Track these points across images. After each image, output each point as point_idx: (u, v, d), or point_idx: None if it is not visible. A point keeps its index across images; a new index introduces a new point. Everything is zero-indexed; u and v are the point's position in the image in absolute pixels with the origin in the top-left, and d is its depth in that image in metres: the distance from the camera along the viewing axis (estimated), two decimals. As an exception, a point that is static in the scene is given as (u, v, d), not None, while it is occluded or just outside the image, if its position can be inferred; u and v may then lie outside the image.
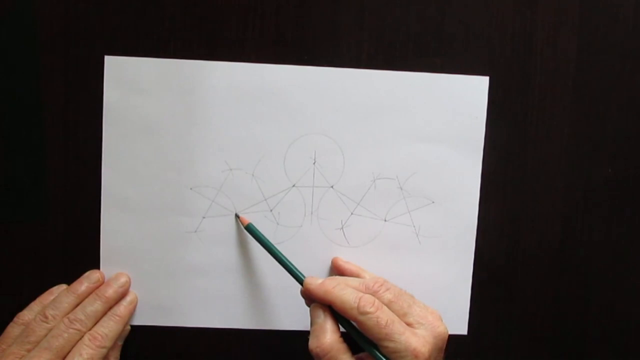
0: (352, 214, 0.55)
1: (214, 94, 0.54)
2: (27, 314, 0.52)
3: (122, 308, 0.54)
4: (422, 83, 0.55)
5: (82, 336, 0.50)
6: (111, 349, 0.53)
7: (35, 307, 0.53)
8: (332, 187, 0.55)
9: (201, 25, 0.53)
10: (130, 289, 0.55)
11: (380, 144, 0.55)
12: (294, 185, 0.55)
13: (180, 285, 0.56)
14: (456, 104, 0.55)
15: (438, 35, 0.55)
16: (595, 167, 0.57)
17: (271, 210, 0.55)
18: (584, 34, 0.56)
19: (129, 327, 0.55)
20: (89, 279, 0.54)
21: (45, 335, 0.50)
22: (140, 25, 0.53)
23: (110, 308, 0.53)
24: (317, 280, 0.50)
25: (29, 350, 0.49)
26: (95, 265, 0.55)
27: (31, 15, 0.53)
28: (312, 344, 0.49)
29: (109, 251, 0.55)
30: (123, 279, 0.54)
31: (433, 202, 0.56)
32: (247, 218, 0.54)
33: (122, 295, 0.54)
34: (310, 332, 0.49)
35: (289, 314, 0.56)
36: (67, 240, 0.55)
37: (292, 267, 0.52)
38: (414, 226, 0.56)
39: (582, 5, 0.55)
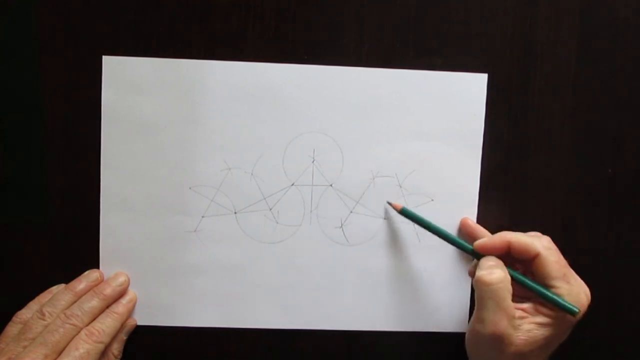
0: (351, 212, 0.55)
1: (212, 93, 0.54)
2: (26, 313, 0.52)
3: (121, 306, 0.54)
4: (420, 80, 0.55)
5: (79, 332, 0.50)
6: (115, 342, 0.53)
7: (33, 306, 0.53)
8: (331, 185, 0.55)
9: (200, 25, 0.54)
10: (130, 289, 0.55)
11: (379, 141, 0.55)
12: (293, 184, 0.55)
13: (179, 284, 0.56)
14: (455, 102, 0.55)
15: (437, 34, 0.55)
16: (595, 167, 0.57)
17: (270, 209, 0.55)
18: (584, 32, 0.56)
19: (134, 322, 0.55)
20: (88, 277, 0.54)
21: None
22: (140, 25, 0.53)
23: (108, 306, 0.53)
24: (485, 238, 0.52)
25: (25, 347, 0.49)
26: (95, 265, 0.55)
27: (31, 15, 0.53)
28: (483, 272, 0.49)
29: (108, 251, 0.55)
30: (122, 279, 0.54)
31: (432, 200, 0.56)
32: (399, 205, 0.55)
33: (121, 294, 0.54)
34: (480, 268, 0.50)
35: (289, 313, 0.56)
36: (67, 240, 0.55)
37: (459, 241, 0.53)
38: (414, 224, 0.56)
39: (582, 4, 0.55)
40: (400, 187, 0.55)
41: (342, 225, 0.56)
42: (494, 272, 0.49)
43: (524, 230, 0.55)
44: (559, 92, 0.56)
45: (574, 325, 0.50)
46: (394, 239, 0.56)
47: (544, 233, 0.53)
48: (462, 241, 0.53)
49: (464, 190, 0.56)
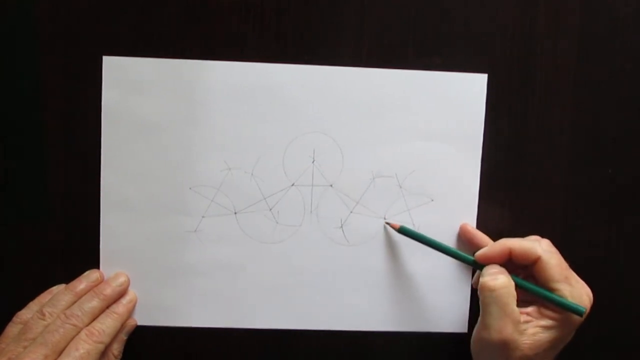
0: (351, 212, 0.55)
1: (212, 93, 0.54)
2: (26, 313, 0.52)
3: (121, 306, 0.54)
4: (421, 81, 0.55)
5: (79, 332, 0.50)
6: (115, 342, 0.53)
7: (34, 306, 0.53)
8: (331, 185, 0.55)
9: (201, 25, 0.54)
10: (130, 289, 0.55)
11: (379, 142, 0.55)
12: (293, 184, 0.55)
13: (179, 284, 0.56)
14: (455, 102, 0.55)
15: (437, 34, 0.55)
16: (596, 167, 0.57)
17: (270, 210, 0.55)
18: (584, 32, 0.56)
19: (134, 322, 0.55)
20: (88, 278, 0.54)
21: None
22: (140, 25, 0.53)
23: (108, 306, 0.53)
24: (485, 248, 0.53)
25: (25, 347, 0.49)
26: (95, 265, 0.55)
27: (31, 15, 0.53)
28: (486, 278, 0.50)
29: (108, 251, 0.55)
30: (122, 279, 0.54)
31: (432, 200, 0.56)
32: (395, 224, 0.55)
33: (121, 295, 0.54)
34: (483, 275, 0.51)
35: (289, 313, 0.56)
36: (67, 240, 0.55)
37: (460, 254, 0.53)
38: (414, 224, 0.56)
39: (582, 4, 0.55)
40: (401, 187, 0.55)
41: (342, 225, 0.56)
42: (498, 277, 0.49)
43: (524, 230, 0.55)
44: (559, 92, 0.56)
45: (577, 326, 0.51)
46: (393, 239, 0.56)
47: (544, 233, 0.54)
48: (462, 254, 0.53)
49: (464, 190, 0.56)
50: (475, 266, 0.53)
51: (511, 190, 0.57)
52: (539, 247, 0.51)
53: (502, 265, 0.51)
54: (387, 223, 0.55)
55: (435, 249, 0.54)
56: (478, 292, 0.50)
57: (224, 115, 0.54)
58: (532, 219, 0.57)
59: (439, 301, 0.57)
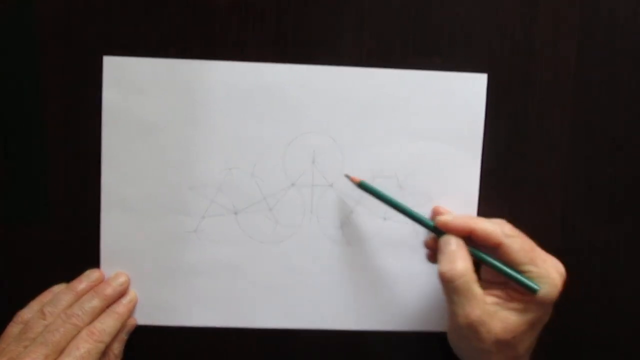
0: (351, 212, 0.55)
1: (212, 93, 0.54)
2: (27, 313, 0.52)
3: (121, 306, 0.54)
4: (420, 81, 0.55)
5: (80, 331, 0.50)
6: (115, 342, 0.53)
7: (34, 306, 0.53)
8: (331, 185, 0.55)
9: (201, 25, 0.54)
10: (130, 289, 0.55)
11: (379, 142, 0.55)
12: (293, 184, 0.55)
13: (179, 284, 0.56)
14: (455, 102, 0.55)
15: (437, 34, 0.55)
16: (596, 167, 0.57)
17: (270, 210, 0.55)
18: (584, 32, 0.56)
19: (135, 322, 0.55)
20: (89, 277, 0.54)
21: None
22: (140, 25, 0.53)
23: (108, 306, 0.53)
24: (448, 216, 0.51)
25: (26, 347, 0.49)
26: (95, 265, 0.55)
27: (31, 15, 0.53)
28: (444, 267, 0.49)
29: (109, 251, 0.55)
30: (122, 279, 0.55)
31: (432, 200, 0.56)
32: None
33: (121, 294, 0.54)
34: (440, 259, 0.49)
35: (289, 313, 0.56)
36: (67, 240, 0.55)
37: (420, 217, 0.52)
38: (413, 224, 0.56)
39: (582, 4, 0.55)
40: (400, 187, 0.55)
41: (342, 225, 0.56)
42: (455, 267, 0.48)
43: (524, 230, 0.55)
44: (559, 92, 0.56)
45: (551, 305, 0.49)
46: (394, 240, 0.56)
47: (544, 232, 0.53)
48: (422, 217, 0.52)
49: (464, 190, 0.56)
50: (435, 232, 0.52)
51: (511, 190, 0.57)
52: (500, 232, 0.49)
53: (463, 238, 0.50)
54: (347, 176, 0.54)
55: (395, 209, 0.52)
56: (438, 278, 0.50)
57: (224, 115, 0.54)
58: (532, 219, 0.57)
59: (438, 302, 0.57)
